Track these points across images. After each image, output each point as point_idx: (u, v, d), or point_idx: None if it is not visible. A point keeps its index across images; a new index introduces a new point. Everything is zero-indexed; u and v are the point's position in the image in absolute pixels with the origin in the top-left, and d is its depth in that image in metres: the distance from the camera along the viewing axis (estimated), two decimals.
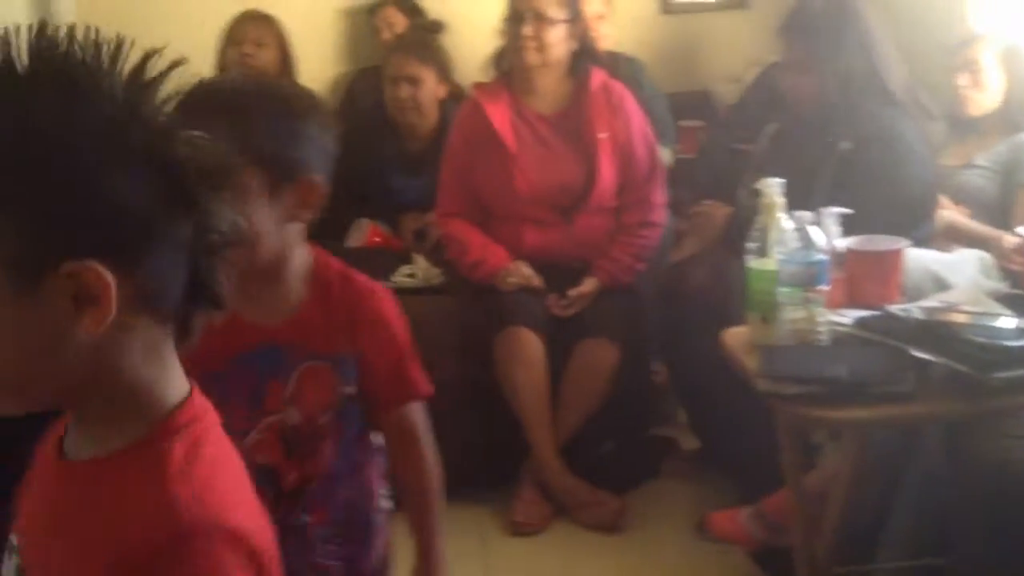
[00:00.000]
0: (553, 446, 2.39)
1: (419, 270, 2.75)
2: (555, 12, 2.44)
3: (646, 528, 2.39)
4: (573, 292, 2.46)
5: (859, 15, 2.17)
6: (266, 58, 3.07)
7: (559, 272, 2.48)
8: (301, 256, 1.26)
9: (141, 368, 0.73)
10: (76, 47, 0.71)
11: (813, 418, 1.67)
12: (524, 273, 2.45)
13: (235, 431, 1.07)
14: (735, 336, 1.83)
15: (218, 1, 3.44)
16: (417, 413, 1.32)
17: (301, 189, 1.20)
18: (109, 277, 0.67)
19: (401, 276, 2.73)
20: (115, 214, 0.68)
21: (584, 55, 2.53)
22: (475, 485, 2.49)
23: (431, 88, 2.89)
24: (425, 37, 3.04)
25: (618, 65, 3.06)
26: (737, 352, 1.77)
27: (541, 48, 2.45)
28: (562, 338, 2.42)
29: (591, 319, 2.42)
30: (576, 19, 2.49)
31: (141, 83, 0.72)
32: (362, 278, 1.31)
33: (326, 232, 2.95)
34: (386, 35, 3.36)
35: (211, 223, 0.72)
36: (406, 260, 2.78)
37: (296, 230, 1.23)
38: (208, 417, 0.77)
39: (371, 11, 3.49)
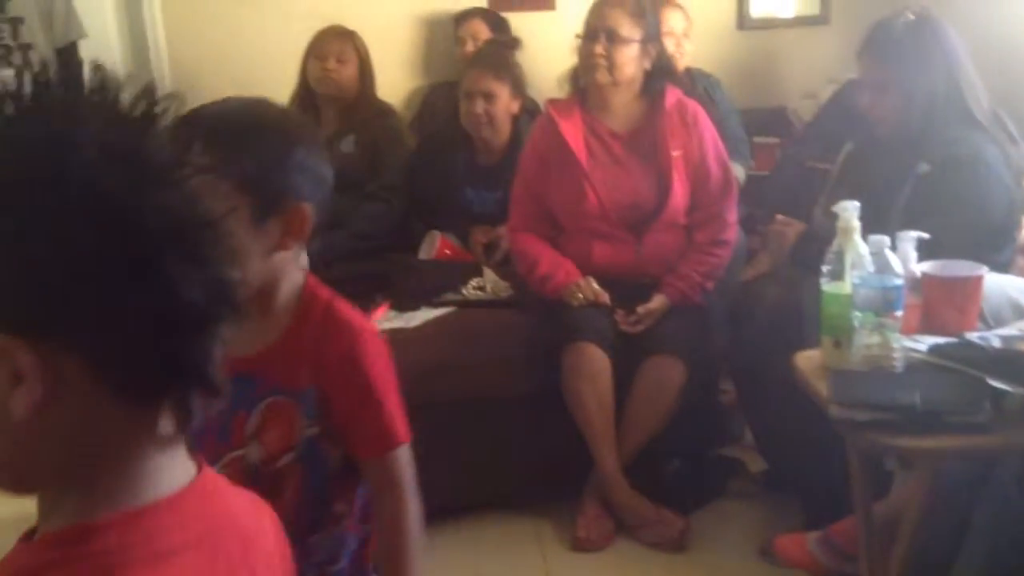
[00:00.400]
0: (617, 463, 2.39)
1: (488, 283, 2.77)
2: (628, 32, 2.45)
3: (710, 549, 2.37)
4: (641, 309, 2.46)
5: (942, 36, 2.13)
6: (347, 73, 3.15)
7: (628, 288, 2.48)
8: (291, 285, 1.20)
9: (95, 454, 0.63)
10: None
11: (885, 446, 1.64)
12: (593, 289, 2.45)
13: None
14: (807, 359, 1.80)
15: (302, 15, 3.55)
16: (397, 462, 1.22)
17: (289, 217, 1.14)
18: (25, 355, 0.59)
19: (471, 289, 2.76)
20: (37, 283, 0.59)
21: (659, 74, 2.53)
22: (538, 499, 2.51)
23: (505, 103, 2.93)
24: (502, 53, 3.07)
25: (693, 81, 3.06)
26: (809, 376, 1.75)
27: (612, 67, 2.46)
28: (629, 354, 2.42)
29: (659, 336, 2.41)
30: (651, 39, 2.49)
31: (126, 121, 0.64)
32: (347, 313, 1.23)
33: (398, 243, 3.05)
34: (469, 47, 3.40)
35: (184, 292, 0.62)
36: (476, 273, 2.81)
37: (284, 258, 1.17)
38: (163, 544, 0.63)
39: (457, 22, 3.54)
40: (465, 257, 2.94)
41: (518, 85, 2.98)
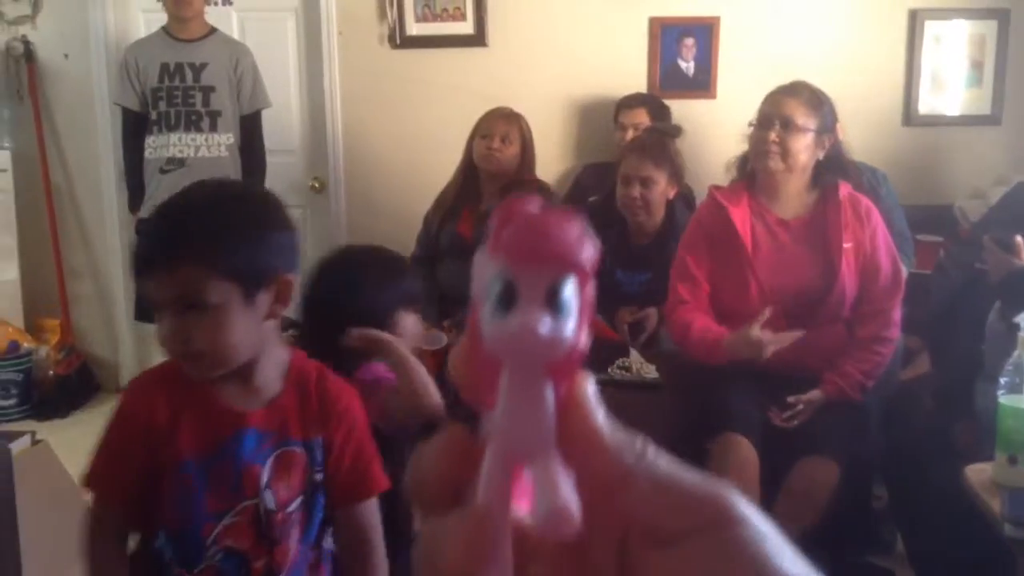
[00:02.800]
0: None
1: (634, 364, 2.77)
2: (803, 121, 2.45)
3: None
4: (795, 399, 2.39)
5: None
6: (509, 152, 3.26)
7: (784, 381, 2.42)
8: (279, 348, 1.36)
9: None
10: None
11: None
12: (769, 338, 2.33)
13: (209, 514, 1.24)
14: (977, 472, 1.71)
15: (470, 94, 3.71)
16: (371, 514, 1.37)
17: (276, 290, 1.29)
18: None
19: (616, 369, 2.76)
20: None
21: (832, 166, 2.51)
22: None
23: (662, 189, 2.96)
24: (663, 141, 3.12)
25: (859, 175, 3.01)
26: (979, 489, 1.66)
27: (785, 154, 2.45)
28: (780, 449, 2.35)
29: (813, 435, 2.34)
30: (826, 130, 2.48)
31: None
32: (335, 376, 1.40)
33: None
34: (629, 135, 3.46)
35: None
36: (622, 353, 2.81)
37: (273, 325, 1.32)
38: None
39: (619, 108, 3.62)
40: (611, 336, 2.95)
41: (676, 173, 3.01)
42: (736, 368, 2.43)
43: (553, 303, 0.32)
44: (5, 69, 4.04)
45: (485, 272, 0.34)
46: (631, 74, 3.80)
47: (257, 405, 1.32)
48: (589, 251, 0.33)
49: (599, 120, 3.83)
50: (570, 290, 0.33)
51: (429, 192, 3.45)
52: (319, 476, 1.33)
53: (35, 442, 2.57)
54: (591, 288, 0.34)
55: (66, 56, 4.04)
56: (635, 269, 3.06)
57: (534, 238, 0.32)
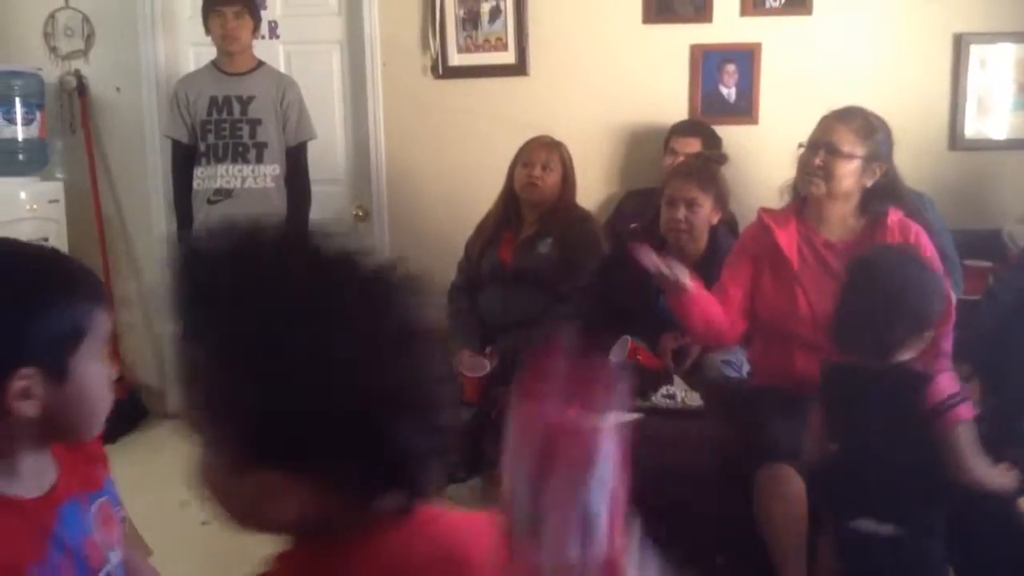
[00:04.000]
0: None
1: (678, 392, 2.76)
2: (850, 147, 2.43)
3: None
4: None
5: None
6: (551, 180, 3.28)
7: None
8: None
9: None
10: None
11: None
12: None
13: None
14: None
15: (513, 122, 3.75)
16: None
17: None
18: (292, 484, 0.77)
19: (659, 397, 2.75)
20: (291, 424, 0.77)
21: (882, 193, 2.49)
22: None
23: (706, 214, 2.96)
24: (708, 166, 3.12)
25: (913, 203, 2.99)
26: None
27: (828, 179, 2.45)
28: None
29: None
30: (877, 158, 2.47)
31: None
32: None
33: (588, 346, 3.09)
34: (680, 160, 3.47)
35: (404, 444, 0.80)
36: (666, 381, 2.80)
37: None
38: None
39: (671, 133, 3.63)
40: (655, 364, 2.94)
41: (721, 198, 3.01)
42: (783, 395, 2.41)
43: (583, 517, 0.32)
44: (59, 102, 4.15)
45: (519, 488, 0.34)
46: (672, 101, 3.81)
47: (46, 485, 1.19)
48: (611, 448, 0.32)
49: (641, 147, 3.85)
50: (597, 498, 0.33)
51: (470, 220, 3.48)
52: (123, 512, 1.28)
53: None
54: (622, 487, 0.34)
55: (118, 89, 4.15)
56: None
57: (554, 453, 0.32)
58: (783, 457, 2.29)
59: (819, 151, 2.45)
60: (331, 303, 0.74)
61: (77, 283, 1.20)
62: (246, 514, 0.80)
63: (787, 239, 2.52)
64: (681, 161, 3.32)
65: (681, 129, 3.61)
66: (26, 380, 1.10)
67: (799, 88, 3.70)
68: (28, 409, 1.11)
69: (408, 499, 0.78)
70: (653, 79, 3.81)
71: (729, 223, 3.20)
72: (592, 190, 3.80)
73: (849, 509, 2.02)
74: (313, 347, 0.72)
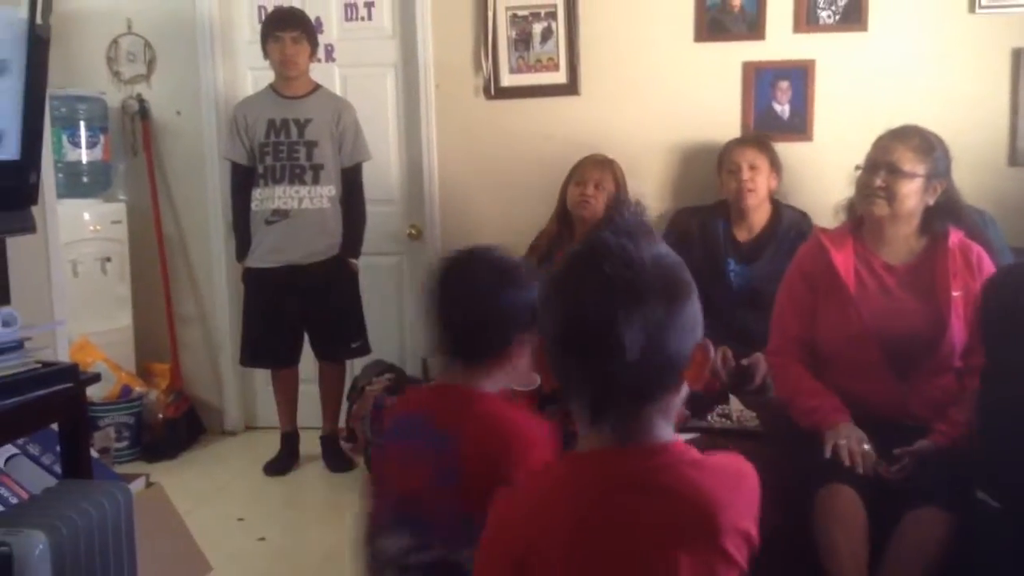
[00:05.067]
0: None
1: (734, 412, 2.73)
2: (911, 166, 2.40)
3: None
4: (902, 451, 2.31)
5: None
6: (603, 199, 3.29)
7: (891, 431, 2.35)
8: None
9: None
10: None
11: None
12: (855, 448, 2.28)
13: None
14: None
15: (565, 140, 3.77)
16: None
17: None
18: None
19: (715, 416, 2.72)
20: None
21: (942, 212, 2.45)
22: None
23: (766, 176, 3.31)
24: (760, 135, 3.47)
25: (973, 220, 2.95)
26: None
27: (891, 200, 2.41)
28: (888, 501, 2.27)
29: (923, 485, 2.25)
30: (937, 176, 2.43)
31: None
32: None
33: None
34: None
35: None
36: (722, 400, 2.78)
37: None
38: None
39: (723, 151, 3.62)
40: (713, 389, 2.91)
41: (776, 163, 3.35)
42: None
43: None
44: (121, 126, 4.28)
45: None
46: (725, 118, 3.79)
47: None
48: None
49: (693, 164, 3.83)
50: None
51: (523, 239, 3.50)
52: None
53: (149, 484, 2.68)
54: None
55: (178, 113, 4.26)
56: (745, 261, 3.26)
57: None
58: (842, 478, 2.26)
59: (879, 171, 2.42)
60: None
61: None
62: None
63: (844, 261, 2.48)
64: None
65: (738, 142, 3.62)
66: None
67: (854, 105, 3.67)
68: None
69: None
70: (705, 97, 3.81)
71: (797, 223, 3.32)
72: (653, 206, 3.80)
73: None
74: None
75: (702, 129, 3.79)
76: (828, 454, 2.28)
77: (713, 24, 3.77)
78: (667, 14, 3.82)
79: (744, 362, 2.94)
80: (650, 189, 3.86)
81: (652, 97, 3.86)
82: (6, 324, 2.00)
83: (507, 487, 1.14)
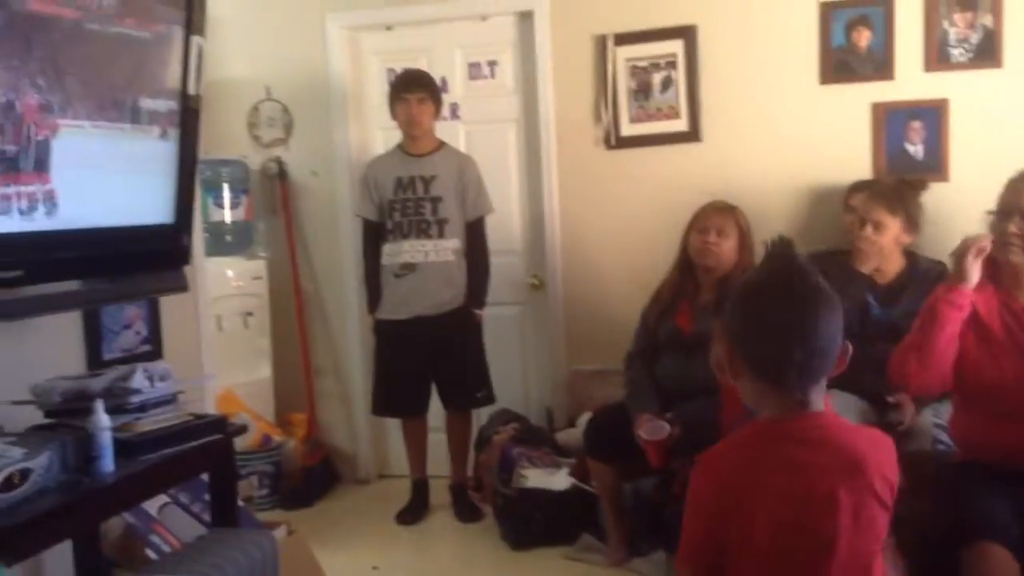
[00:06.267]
0: None
1: None
2: None
3: None
4: None
5: None
6: (727, 246, 3.24)
7: None
8: None
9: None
10: None
11: None
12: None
13: None
14: None
15: (682, 189, 3.76)
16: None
17: None
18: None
19: None
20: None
21: None
22: None
23: (894, 235, 3.15)
24: (902, 189, 3.23)
25: None
26: None
27: None
28: None
29: None
30: None
31: None
32: None
33: None
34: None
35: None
36: None
37: None
38: None
39: (851, 191, 3.56)
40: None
41: (912, 221, 3.17)
42: (992, 469, 2.26)
43: None
44: (262, 186, 4.51)
45: None
46: (854, 160, 3.71)
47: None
48: None
49: (820, 208, 3.76)
50: None
51: (644, 288, 3.49)
52: None
53: (290, 532, 2.78)
54: None
55: (314, 173, 4.47)
56: (883, 303, 3.15)
57: None
58: (994, 536, 2.14)
59: (1013, 217, 2.32)
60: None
61: None
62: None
63: (986, 305, 2.38)
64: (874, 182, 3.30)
65: (861, 185, 3.53)
66: None
67: (992, 143, 3.53)
68: None
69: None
70: (832, 139, 3.74)
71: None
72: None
73: None
74: None
75: (829, 172, 3.72)
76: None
77: (839, 66, 3.71)
78: (790, 57, 3.78)
79: (890, 399, 2.85)
80: (775, 234, 3.79)
81: (777, 141, 3.81)
82: (162, 379, 2.14)
83: (707, 452, 1.49)
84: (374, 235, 3.94)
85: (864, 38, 3.69)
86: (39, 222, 1.96)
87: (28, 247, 1.94)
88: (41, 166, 1.93)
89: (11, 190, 1.87)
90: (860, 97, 3.70)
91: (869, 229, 3.11)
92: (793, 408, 1.43)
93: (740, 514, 1.40)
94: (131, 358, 2.58)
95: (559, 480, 3.57)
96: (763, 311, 1.43)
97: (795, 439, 1.43)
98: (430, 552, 3.69)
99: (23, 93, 1.87)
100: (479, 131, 4.30)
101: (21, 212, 1.91)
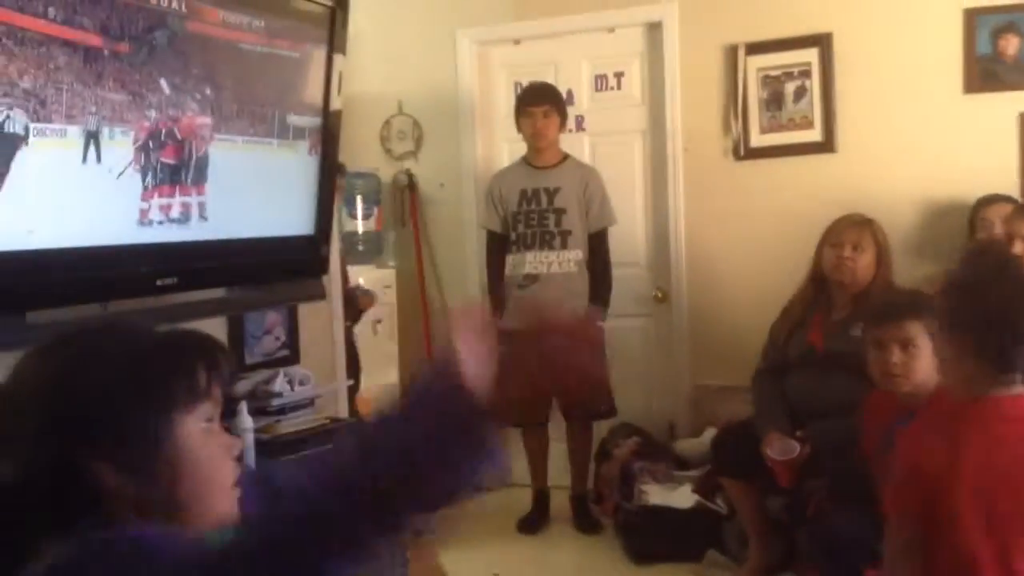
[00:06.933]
0: None
1: None
2: None
3: None
4: None
5: None
6: (863, 261, 3.13)
7: None
8: None
9: None
10: None
11: None
12: None
13: None
14: None
15: (817, 204, 3.65)
16: None
17: None
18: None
19: None
20: None
21: None
22: None
23: None
24: None
25: None
26: None
27: None
28: None
29: None
30: None
31: None
32: None
33: None
34: (998, 227, 3.23)
35: None
36: None
37: None
38: None
39: (978, 205, 3.41)
40: None
41: None
42: None
43: None
44: (392, 198, 4.64)
45: None
46: (999, 172, 3.54)
47: None
48: None
49: (962, 222, 3.59)
50: None
51: (772, 303, 3.41)
52: None
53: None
54: None
55: (442, 185, 4.57)
56: None
57: None
58: None
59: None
60: None
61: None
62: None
63: None
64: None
65: (989, 199, 3.38)
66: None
67: None
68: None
69: None
70: (977, 151, 3.58)
71: None
72: (909, 268, 3.59)
73: None
74: None
75: (973, 185, 3.55)
76: None
77: (985, 74, 3.55)
78: (932, 65, 3.64)
79: None
80: (913, 248, 3.65)
81: (917, 152, 3.67)
82: (301, 383, 2.23)
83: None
84: (498, 246, 3.99)
85: (1012, 46, 3.53)
86: (192, 232, 2.08)
87: (182, 256, 2.06)
88: (199, 179, 2.04)
89: (170, 201, 1.99)
90: (1007, 107, 3.54)
91: (1019, 246, 2.99)
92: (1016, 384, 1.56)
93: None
94: (271, 363, 2.68)
95: (683, 497, 3.52)
96: (985, 297, 1.55)
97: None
98: (550, 561, 3.70)
99: (185, 109, 1.98)
100: (605, 143, 4.30)
101: (178, 222, 2.02)
